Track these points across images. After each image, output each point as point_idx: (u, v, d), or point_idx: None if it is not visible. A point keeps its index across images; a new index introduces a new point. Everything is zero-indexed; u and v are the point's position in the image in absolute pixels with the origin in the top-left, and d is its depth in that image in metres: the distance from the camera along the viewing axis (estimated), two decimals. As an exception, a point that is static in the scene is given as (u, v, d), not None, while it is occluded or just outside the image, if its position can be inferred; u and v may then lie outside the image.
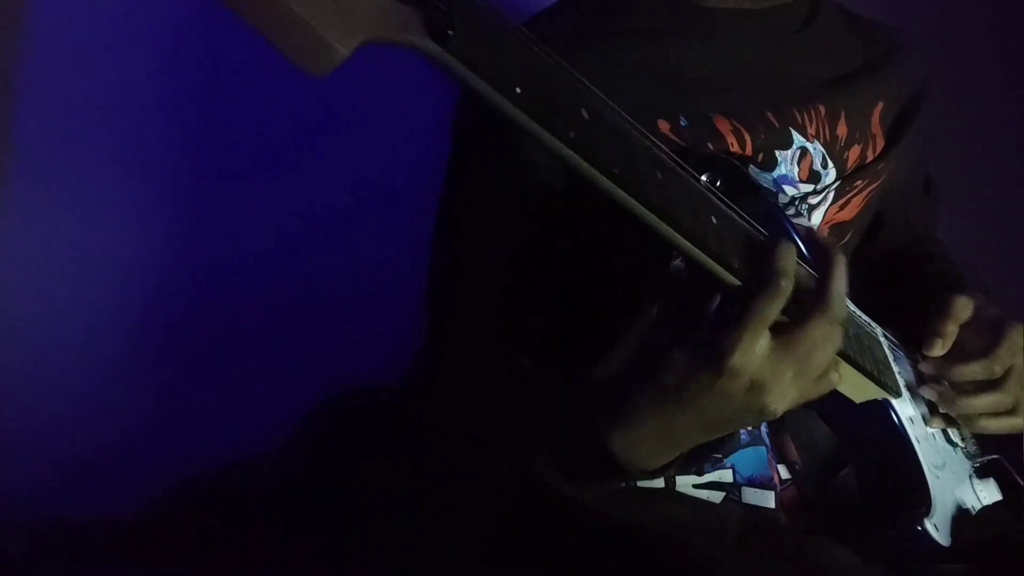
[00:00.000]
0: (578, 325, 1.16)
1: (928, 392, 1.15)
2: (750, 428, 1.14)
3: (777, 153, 1.16)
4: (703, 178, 0.97)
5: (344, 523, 1.19)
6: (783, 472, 1.17)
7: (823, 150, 1.19)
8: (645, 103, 1.10)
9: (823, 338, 0.87)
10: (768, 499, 1.14)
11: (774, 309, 0.84)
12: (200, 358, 1.46)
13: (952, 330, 1.15)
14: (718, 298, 0.88)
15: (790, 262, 0.86)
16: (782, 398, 0.87)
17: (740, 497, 1.14)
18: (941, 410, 1.16)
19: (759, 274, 0.85)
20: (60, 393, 1.37)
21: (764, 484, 1.15)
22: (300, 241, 1.50)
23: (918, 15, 1.70)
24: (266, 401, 1.44)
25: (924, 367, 1.15)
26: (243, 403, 1.44)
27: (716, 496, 1.13)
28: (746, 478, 1.14)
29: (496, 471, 1.05)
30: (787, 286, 0.84)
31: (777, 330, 0.85)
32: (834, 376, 0.91)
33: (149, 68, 1.34)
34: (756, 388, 0.85)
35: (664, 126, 1.11)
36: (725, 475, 1.13)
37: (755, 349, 0.84)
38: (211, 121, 1.40)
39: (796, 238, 1.01)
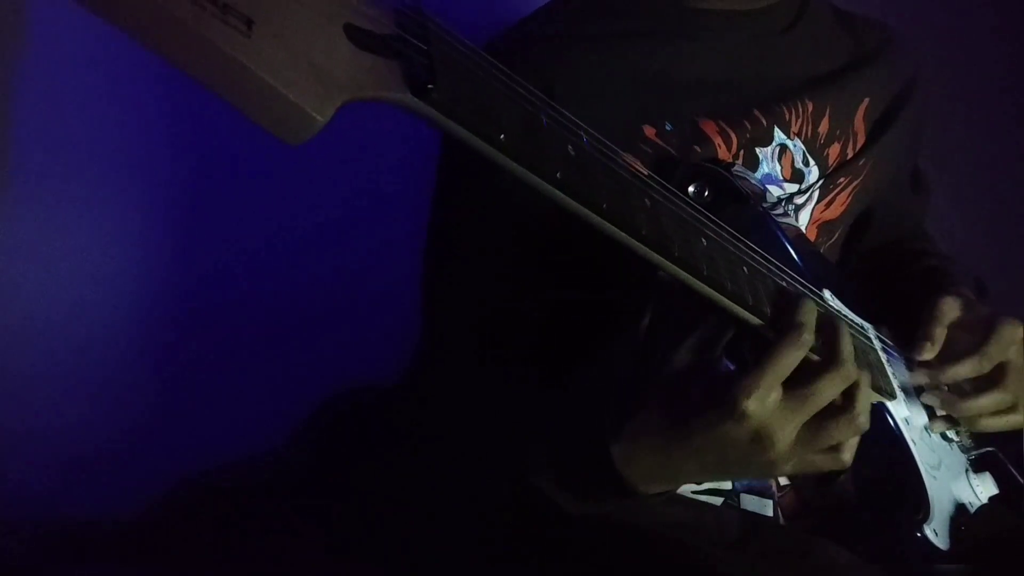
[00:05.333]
0: (571, 329, 1.15)
1: (930, 399, 1.14)
2: None
3: (757, 150, 1.16)
4: (691, 189, 0.97)
5: (344, 522, 1.19)
6: (782, 478, 1.17)
7: (803, 147, 1.19)
8: (631, 109, 1.10)
9: (831, 397, 0.87)
10: (766, 507, 1.14)
11: (795, 360, 0.84)
12: (201, 358, 1.46)
13: (940, 332, 1.14)
14: (719, 322, 0.89)
15: (812, 316, 0.87)
16: (785, 457, 0.86)
17: (739, 503, 1.14)
18: (941, 413, 1.16)
19: (783, 323, 0.86)
20: (60, 393, 1.37)
21: (763, 492, 1.15)
22: (301, 241, 1.50)
23: (916, 13, 1.70)
24: (266, 401, 1.44)
25: (917, 373, 1.14)
26: (243, 403, 1.44)
27: (715, 501, 1.13)
28: (745, 485, 1.14)
29: (493, 475, 1.05)
30: (809, 339, 0.85)
31: (789, 386, 0.85)
32: (846, 455, 0.90)
33: (149, 69, 1.33)
34: (760, 439, 0.84)
35: (650, 131, 1.11)
36: (724, 483, 1.13)
37: (769, 397, 0.83)
38: (211, 122, 1.39)
39: (790, 248, 1.01)
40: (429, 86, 0.64)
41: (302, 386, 1.37)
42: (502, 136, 0.69)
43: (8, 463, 1.33)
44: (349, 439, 1.28)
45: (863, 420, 0.88)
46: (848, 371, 0.86)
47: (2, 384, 1.34)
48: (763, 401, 0.83)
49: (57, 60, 1.30)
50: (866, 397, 0.89)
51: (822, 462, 0.89)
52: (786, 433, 0.85)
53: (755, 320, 0.89)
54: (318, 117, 0.58)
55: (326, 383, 1.32)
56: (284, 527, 1.22)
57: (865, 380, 0.90)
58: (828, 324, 0.89)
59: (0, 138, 1.30)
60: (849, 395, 0.88)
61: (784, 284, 0.94)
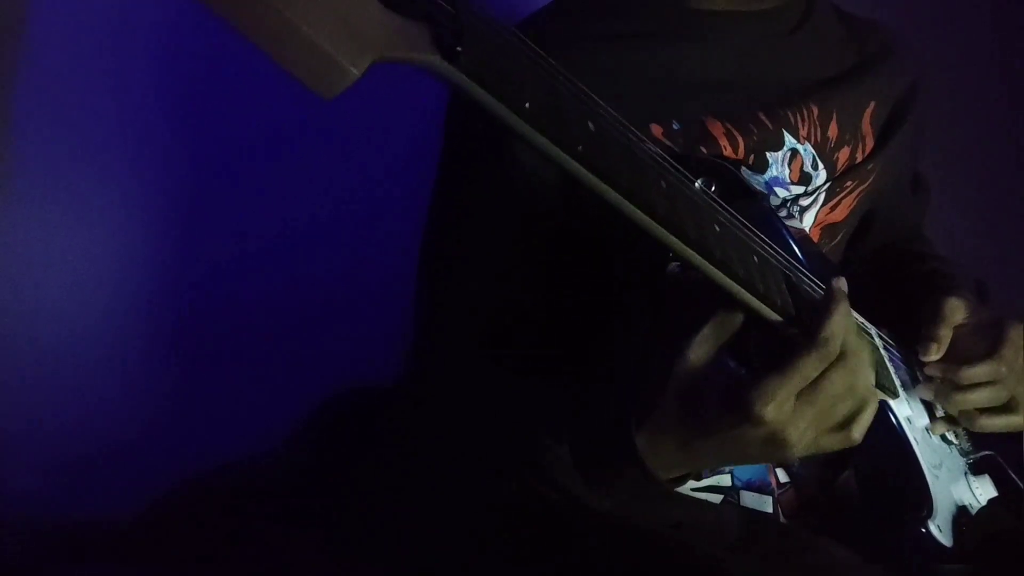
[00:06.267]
0: (574, 323, 1.15)
1: (924, 392, 1.15)
2: None
3: (768, 155, 1.16)
4: (698, 183, 0.97)
5: (344, 523, 1.19)
6: (781, 476, 1.17)
7: (813, 151, 1.19)
8: (638, 107, 1.10)
9: (844, 389, 0.88)
10: (766, 504, 1.14)
11: (818, 371, 0.86)
12: (200, 358, 1.46)
13: (946, 334, 1.14)
14: (729, 312, 0.89)
15: (842, 328, 0.87)
16: (799, 447, 0.89)
17: (738, 500, 1.14)
18: (938, 408, 1.16)
19: (811, 333, 0.86)
20: (60, 393, 1.37)
21: (762, 489, 1.15)
22: (300, 241, 1.50)
23: (917, 15, 1.70)
24: (266, 401, 1.43)
25: (928, 371, 1.15)
26: (243, 403, 1.44)
27: (714, 498, 1.13)
28: (744, 482, 1.14)
29: (500, 469, 1.04)
30: (836, 350, 0.86)
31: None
32: (856, 433, 0.92)
33: (148, 69, 1.34)
34: (775, 439, 0.87)
35: (657, 130, 1.11)
36: (724, 479, 1.13)
37: (787, 404, 0.85)
38: (210, 122, 1.39)
39: (795, 247, 1.01)
40: (458, 48, 0.64)
41: (302, 386, 1.37)
42: (527, 104, 0.69)
43: (8, 463, 1.33)
44: (349, 439, 1.28)
45: (870, 399, 0.91)
46: (851, 361, 0.88)
47: (2, 384, 1.33)
48: (781, 408, 0.85)
49: (57, 60, 1.30)
50: (868, 373, 0.91)
51: (834, 443, 0.92)
52: (800, 430, 0.87)
53: (765, 309, 0.90)
54: (353, 70, 0.58)
55: (326, 383, 1.32)
56: (284, 527, 1.21)
57: (864, 354, 0.91)
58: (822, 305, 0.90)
59: (0, 138, 1.30)
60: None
61: (792, 276, 0.95)
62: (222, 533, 1.22)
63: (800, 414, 0.87)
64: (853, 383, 0.89)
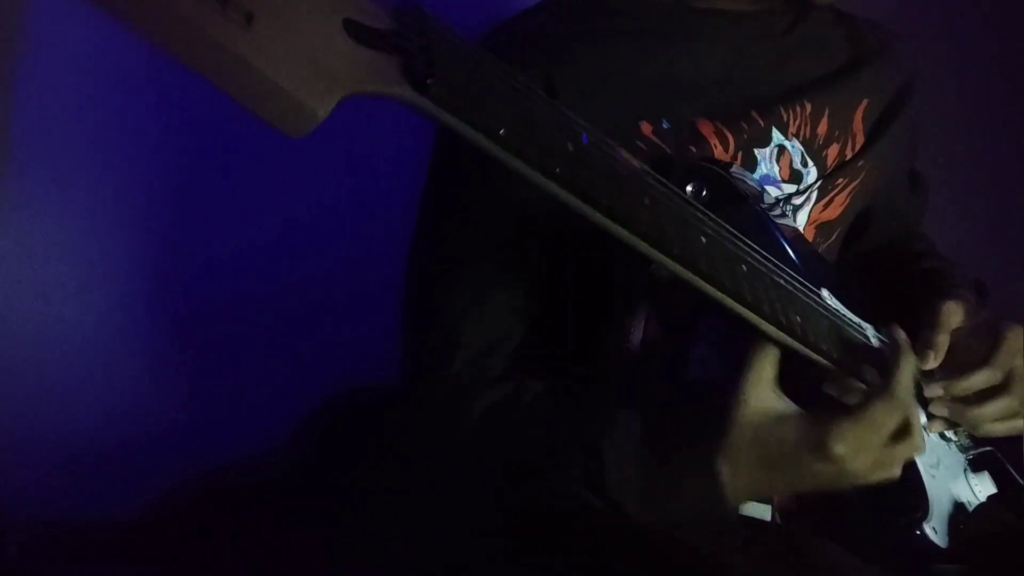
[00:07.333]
0: (573, 323, 1.15)
1: (938, 409, 1.15)
2: None
3: (756, 151, 1.15)
4: (688, 188, 0.97)
5: (344, 522, 1.19)
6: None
7: (802, 148, 1.19)
8: (629, 105, 1.10)
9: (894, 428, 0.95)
10: (765, 513, 1.14)
11: (892, 419, 0.93)
12: (200, 358, 1.46)
13: (943, 340, 1.14)
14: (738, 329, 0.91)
15: (910, 379, 0.95)
16: (859, 478, 0.96)
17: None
18: (942, 413, 1.16)
19: (883, 384, 0.94)
20: (61, 393, 1.37)
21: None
22: (300, 241, 1.50)
23: (916, 14, 1.70)
24: (266, 401, 1.44)
25: (931, 386, 1.14)
26: (243, 403, 1.45)
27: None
28: None
29: (502, 474, 1.04)
30: (908, 401, 0.94)
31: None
32: (896, 470, 0.99)
33: (147, 70, 1.34)
34: (841, 472, 0.93)
35: (646, 128, 1.10)
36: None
37: (856, 444, 0.92)
38: (211, 122, 1.39)
39: (788, 248, 1.02)
40: (428, 80, 0.64)
41: (302, 386, 1.37)
42: (502, 131, 0.69)
43: (8, 463, 1.33)
44: (349, 439, 1.28)
45: (921, 443, 0.99)
46: (908, 403, 0.95)
47: (2, 384, 1.34)
48: (852, 447, 0.92)
49: (57, 60, 1.30)
50: (918, 421, 0.98)
51: (878, 478, 0.98)
52: (862, 462, 0.94)
53: (754, 318, 0.90)
54: (319, 111, 0.59)
55: (326, 383, 1.32)
56: (284, 527, 1.22)
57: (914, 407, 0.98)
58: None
59: (0, 138, 1.30)
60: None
61: (783, 282, 0.95)
62: (222, 533, 1.22)
63: (863, 449, 0.93)
64: (906, 424, 0.96)
